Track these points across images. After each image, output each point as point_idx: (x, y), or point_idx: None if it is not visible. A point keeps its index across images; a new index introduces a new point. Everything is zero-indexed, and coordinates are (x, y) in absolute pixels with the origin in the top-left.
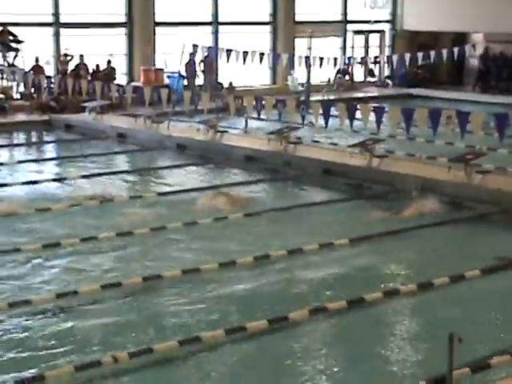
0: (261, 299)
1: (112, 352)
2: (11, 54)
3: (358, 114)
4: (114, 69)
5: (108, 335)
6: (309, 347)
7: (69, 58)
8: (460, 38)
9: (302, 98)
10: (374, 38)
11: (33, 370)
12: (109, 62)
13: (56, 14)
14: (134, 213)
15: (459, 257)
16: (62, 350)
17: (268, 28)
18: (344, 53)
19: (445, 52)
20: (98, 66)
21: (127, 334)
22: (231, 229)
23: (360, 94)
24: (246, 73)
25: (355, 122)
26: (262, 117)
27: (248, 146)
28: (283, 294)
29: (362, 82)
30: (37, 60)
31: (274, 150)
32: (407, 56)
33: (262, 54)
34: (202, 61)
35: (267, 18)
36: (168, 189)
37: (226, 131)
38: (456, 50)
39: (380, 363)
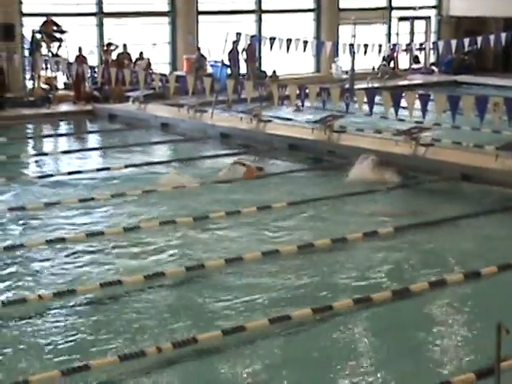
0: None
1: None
2: (55, 45)
3: (403, 102)
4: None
5: None
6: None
7: (112, 47)
8: (508, 24)
9: (346, 86)
10: (420, 25)
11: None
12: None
13: (99, 4)
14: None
15: None
16: None
17: (312, 15)
18: (389, 40)
19: (492, 38)
20: (141, 53)
21: None
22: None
23: (405, 82)
24: (289, 61)
25: (400, 111)
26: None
27: (291, 135)
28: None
29: (407, 69)
30: (80, 50)
31: (317, 139)
32: (453, 42)
33: (305, 42)
34: (245, 49)
35: (311, 6)
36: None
37: (270, 120)
38: (504, 35)
39: (427, 354)
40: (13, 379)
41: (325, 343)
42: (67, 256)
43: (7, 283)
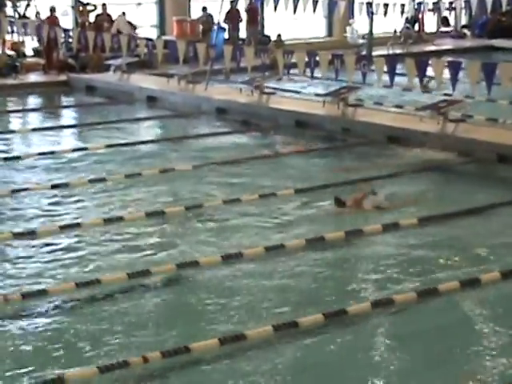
0: None
1: None
2: (22, 4)
3: (430, 71)
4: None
5: None
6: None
7: (90, 7)
8: None
9: (363, 53)
10: None
11: None
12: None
13: None
14: None
15: None
16: None
17: None
18: None
19: None
20: (123, 14)
21: None
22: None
23: (432, 47)
24: (296, 24)
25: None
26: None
27: (299, 110)
28: None
29: (434, 32)
30: (52, 10)
31: (330, 115)
32: (488, 1)
33: (315, 1)
34: (245, 10)
35: None
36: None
37: (274, 93)
38: None
39: (457, 364)
40: None
41: (339, 352)
42: (38, 251)
43: None
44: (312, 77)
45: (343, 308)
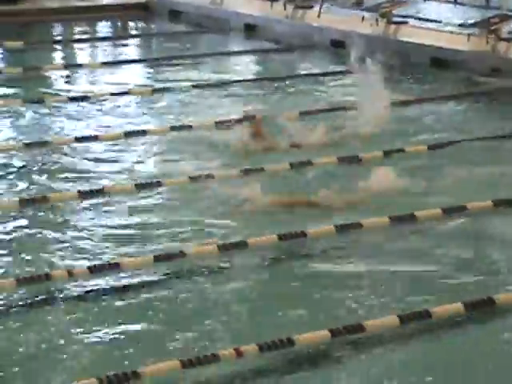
0: None
1: None
2: None
3: None
4: None
5: None
6: None
7: None
8: None
9: None
10: None
11: None
12: None
13: None
14: None
15: None
16: None
17: None
18: None
19: None
20: None
21: None
22: None
23: None
24: None
25: None
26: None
27: (435, 44)
28: None
29: None
30: None
31: (476, 50)
32: None
33: None
34: None
35: None
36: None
37: (405, 22)
38: None
39: None
40: None
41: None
42: None
43: None
44: (456, 1)
45: None
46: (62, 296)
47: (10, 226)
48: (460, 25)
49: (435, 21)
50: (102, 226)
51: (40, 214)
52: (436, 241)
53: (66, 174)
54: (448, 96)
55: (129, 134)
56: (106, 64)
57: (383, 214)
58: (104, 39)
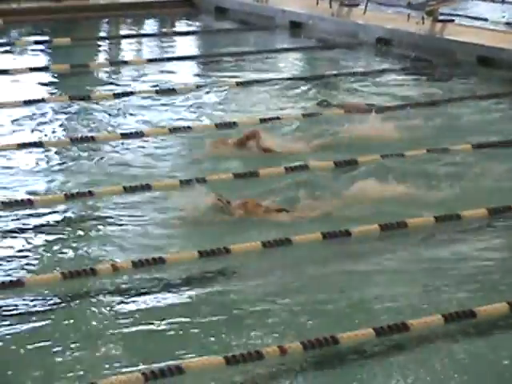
0: None
1: None
2: None
3: None
4: None
5: None
6: None
7: None
8: None
9: None
10: None
11: None
12: None
13: None
14: None
15: None
16: None
17: None
18: None
19: None
20: None
21: None
22: None
23: None
24: None
25: None
26: None
27: (483, 43)
28: None
29: None
30: None
31: None
32: None
33: None
34: None
35: None
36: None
37: (451, 20)
38: None
39: None
40: None
41: None
42: None
43: None
44: (503, 0)
45: None
46: (106, 290)
47: (56, 220)
48: (507, 23)
49: (482, 19)
50: (146, 221)
51: (85, 208)
52: (481, 241)
53: (112, 170)
54: (488, 95)
55: (174, 130)
56: (151, 61)
57: None
58: (150, 36)
